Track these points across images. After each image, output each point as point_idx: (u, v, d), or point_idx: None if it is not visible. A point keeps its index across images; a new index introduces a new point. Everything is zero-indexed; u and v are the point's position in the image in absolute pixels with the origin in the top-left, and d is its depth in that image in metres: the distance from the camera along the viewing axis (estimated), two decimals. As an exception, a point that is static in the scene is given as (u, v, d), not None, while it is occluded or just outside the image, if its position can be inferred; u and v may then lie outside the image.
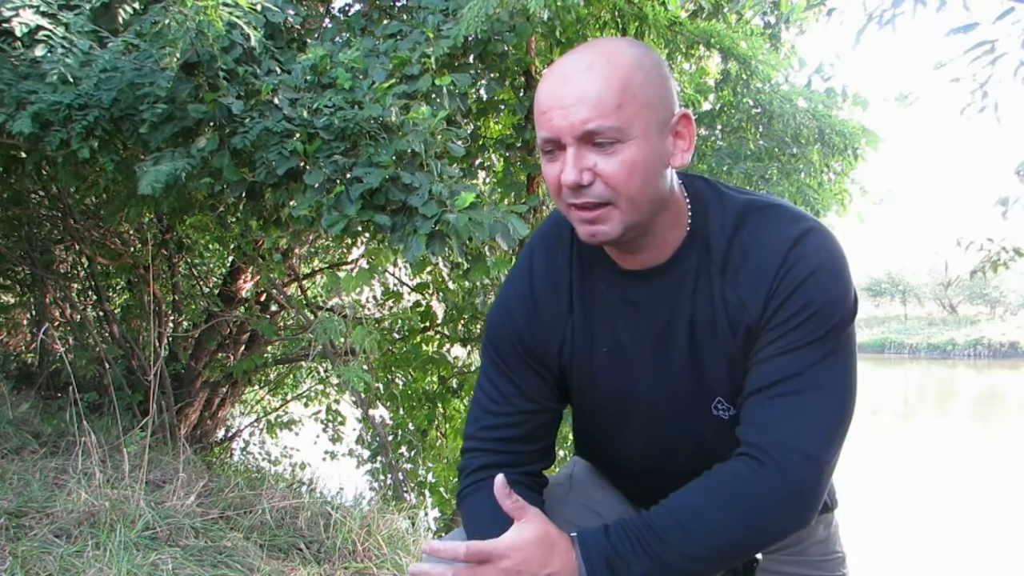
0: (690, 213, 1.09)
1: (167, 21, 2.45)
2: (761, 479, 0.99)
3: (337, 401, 6.54)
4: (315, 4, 3.96)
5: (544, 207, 3.93)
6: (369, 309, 5.76)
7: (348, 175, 2.62)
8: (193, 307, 5.99)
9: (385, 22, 3.28)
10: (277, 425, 6.75)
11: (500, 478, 1.03)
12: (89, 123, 2.49)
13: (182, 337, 5.52)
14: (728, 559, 1.03)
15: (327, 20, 3.79)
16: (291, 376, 6.94)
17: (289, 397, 7.07)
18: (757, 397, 1.02)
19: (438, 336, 4.98)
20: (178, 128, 2.62)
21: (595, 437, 1.25)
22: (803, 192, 4.11)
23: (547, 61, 3.90)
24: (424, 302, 4.86)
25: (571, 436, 1.37)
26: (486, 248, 2.95)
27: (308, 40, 3.18)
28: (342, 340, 3.87)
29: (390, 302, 5.51)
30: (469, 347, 4.90)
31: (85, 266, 5.49)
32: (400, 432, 4.94)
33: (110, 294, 5.96)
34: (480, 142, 4.00)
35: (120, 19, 2.61)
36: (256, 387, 6.93)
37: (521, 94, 3.85)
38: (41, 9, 2.40)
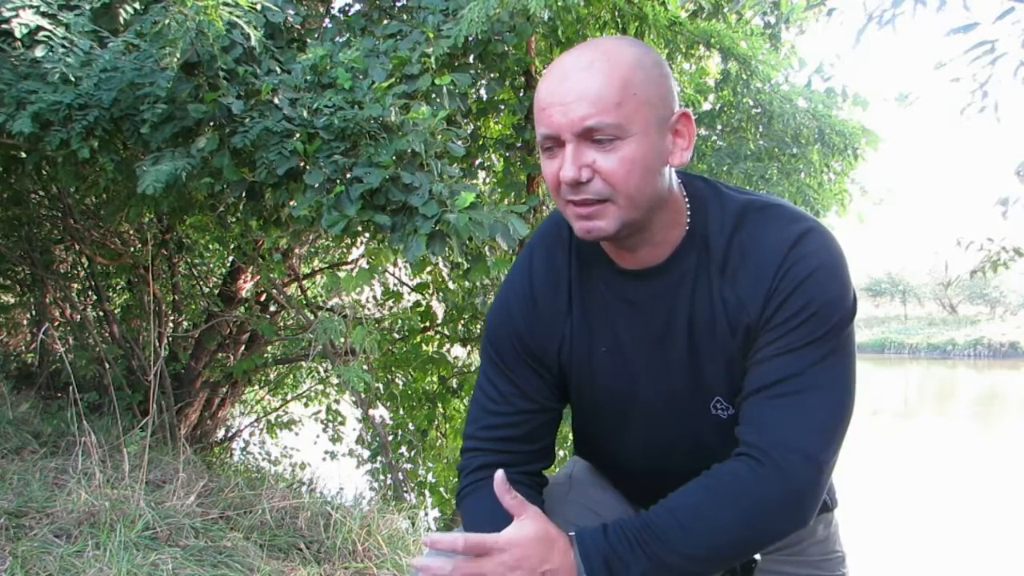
0: (689, 212, 1.09)
1: (167, 21, 2.45)
2: (760, 479, 0.99)
3: (337, 401, 6.53)
4: (315, 4, 3.96)
5: (544, 207, 3.93)
6: (369, 309, 5.75)
7: (348, 175, 2.62)
8: (193, 307, 5.99)
9: (385, 22, 3.28)
10: (277, 425, 6.75)
11: (500, 474, 1.03)
12: (89, 123, 2.49)
13: (182, 337, 5.52)
14: (727, 559, 1.03)
15: (327, 20, 3.79)
16: (291, 376, 6.94)
17: (289, 397, 7.07)
18: (756, 397, 1.02)
19: (438, 336, 4.98)
20: (178, 128, 2.62)
21: (594, 437, 1.25)
22: (803, 192, 4.11)
23: (547, 61, 3.90)
24: (424, 302, 4.86)
25: (571, 436, 1.37)
26: (486, 248, 2.95)
27: (308, 40, 3.18)
28: (342, 340, 3.87)
29: (390, 302, 5.51)
30: (469, 347, 4.90)
31: (85, 266, 5.49)
32: (400, 432, 4.94)
33: (110, 294, 5.96)
34: (480, 142, 4.00)
35: (120, 19, 2.61)
36: (256, 387, 6.93)
37: (521, 94, 3.85)
38: (41, 10, 2.40)
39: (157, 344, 4.24)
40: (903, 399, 19.08)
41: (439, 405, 4.88)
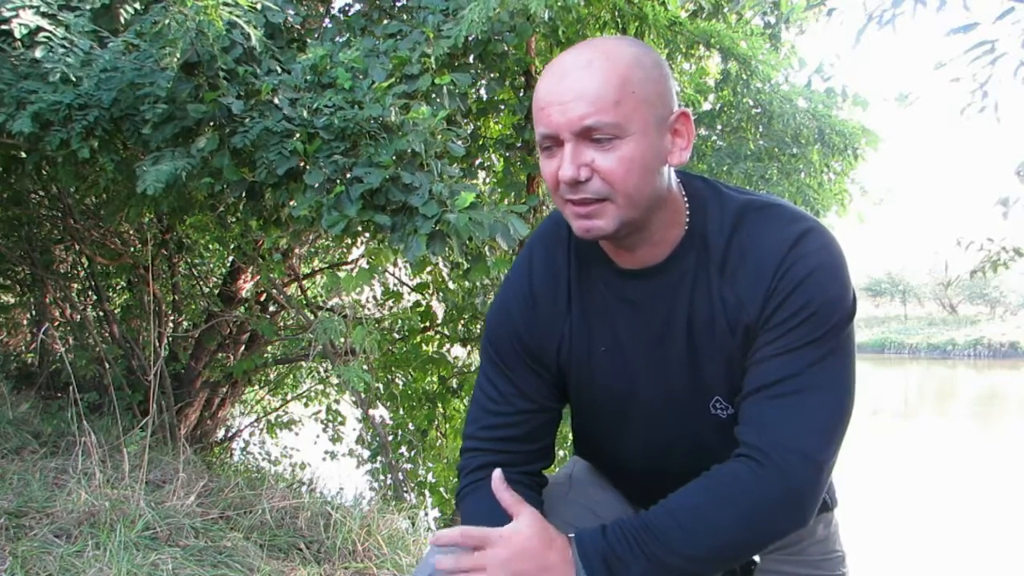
0: (688, 212, 1.09)
1: (167, 21, 2.45)
2: (759, 480, 0.99)
3: (337, 401, 6.53)
4: (315, 4, 3.96)
5: (544, 207, 3.93)
6: (369, 309, 5.76)
7: (348, 175, 2.62)
8: (193, 307, 5.99)
9: (385, 22, 3.28)
10: (277, 425, 6.75)
11: (498, 472, 1.03)
12: (89, 123, 2.49)
13: (182, 337, 5.52)
14: (728, 559, 1.03)
15: (327, 20, 3.79)
16: (291, 376, 6.94)
17: (289, 397, 7.07)
18: (755, 397, 1.02)
19: (438, 336, 4.98)
20: (178, 128, 2.62)
21: (594, 436, 1.25)
22: (803, 192, 4.12)
23: (547, 61, 3.89)
24: (424, 302, 4.86)
25: (571, 436, 1.37)
26: (486, 248, 2.95)
27: (308, 40, 3.18)
28: (342, 340, 3.87)
29: (390, 302, 5.51)
30: (469, 347, 4.90)
31: (85, 266, 5.49)
32: (400, 432, 4.94)
33: (110, 294, 5.96)
34: (480, 142, 4.00)
35: (121, 19, 2.61)
36: (256, 387, 6.93)
37: (521, 94, 3.85)
38: (41, 10, 2.40)
39: (157, 344, 4.24)
40: (903, 399, 19.08)
41: (439, 405, 4.88)
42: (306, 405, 6.92)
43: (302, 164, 2.66)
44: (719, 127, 4.40)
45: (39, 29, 2.38)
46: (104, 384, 4.34)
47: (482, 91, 3.76)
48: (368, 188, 2.56)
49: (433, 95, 2.91)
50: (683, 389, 1.10)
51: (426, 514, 4.47)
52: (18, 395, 4.64)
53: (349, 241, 5.13)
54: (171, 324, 5.48)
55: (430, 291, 4.82)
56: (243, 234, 4.29)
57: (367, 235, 3.45)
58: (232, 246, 4.77)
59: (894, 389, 20.68)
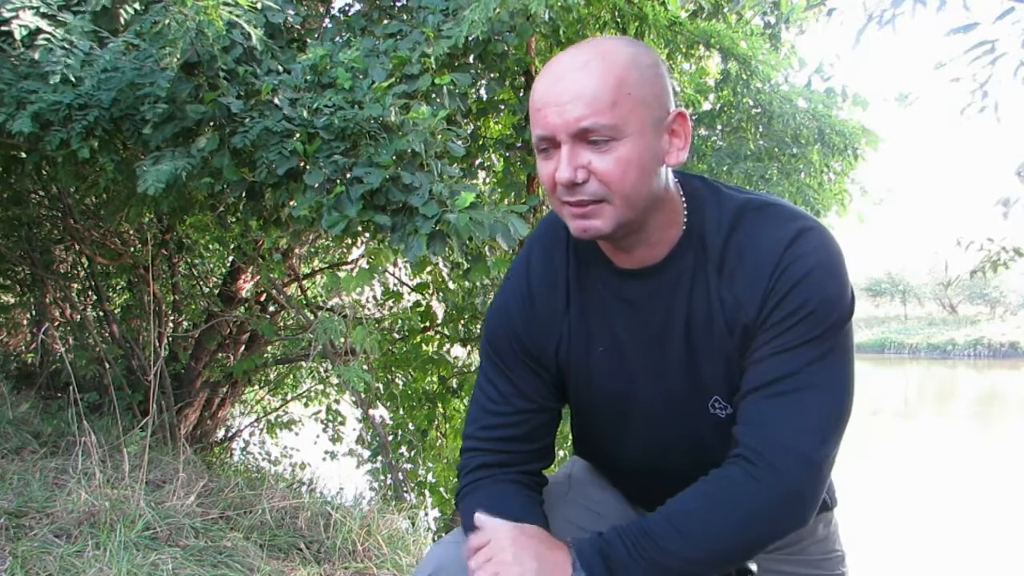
0: (686, 212, 1.09)
1: (167, 21, 2.45)
2: (756, 482, 0.99)
3: (337, 401, 6.53)
4: (315, 4, 3.96)
5: (544, 207, 3.93)
6: (369, 309, 5.76)
7: (348, 175, 2.62)
8: (193, 307, 5.99)
9: (385, 22, 3.28)
10: (277, 425, 6.75)
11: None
12: (89, 123, 2.49)
13: (182, 337, 5.52)
14: (728, 562, 1.03)
15: (327, 20, 3.79)
16: (291, 376, 6.94)
17: (289, 397, 7.07)
18: (753, 396, 1.02)
19: (438, 336, 4.98)
20: (178, 128, 2.62)
21: (593, 436, 1.25)
22: (803, 192, 4.11)
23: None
24: (424, 302, 4.86)
25: (571, 436, 1.38)
26: (486, 248, 2.95)
27: (308, 40, 3.18)
28: (342, 340, 3.87)
29: (390, 302, 5.51)
30: (469, 347, 4.90)
31: (85, 266, 5.49)
32: (400, 432, 4.94)
33: (110, 294, 5.96)
34: (480, 142, 4.00)
35: (121, 20, 2.61)
36: (256, 387, 6.93)
37: (521, 94, 3.85)
38: (41, 11, 2.40)
39: (157, 344, 4.24)
40: (903, 399, 19.08)
41: (439, 405, 4.88)
42: (306, 405, 6.92)
43: (302, 164, 2.66)
44: (719, 127, 4.40)
45: (39, 30, 2.38)
46: (104, 384, 4.35)
47: (482, 91, 3.76)
48: (368, 188, 2.56)
49: (433, 95, 2.91)
50: (682, 389, 1.10)
51: (426, 514, 4.48)
52: (18, 395, 4.64)
53: (349, 241, 5.14)
54: (171, 324, 5.48)
55: (430, 291, 4.82)
56: (243, 234, 4.29)
57: (367, 235, 3.45)
58: (232, 246, 4.77)
59: (894, 389, 20.68)
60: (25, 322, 6.24)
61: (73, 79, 2.41)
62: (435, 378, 4.98)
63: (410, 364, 4.91)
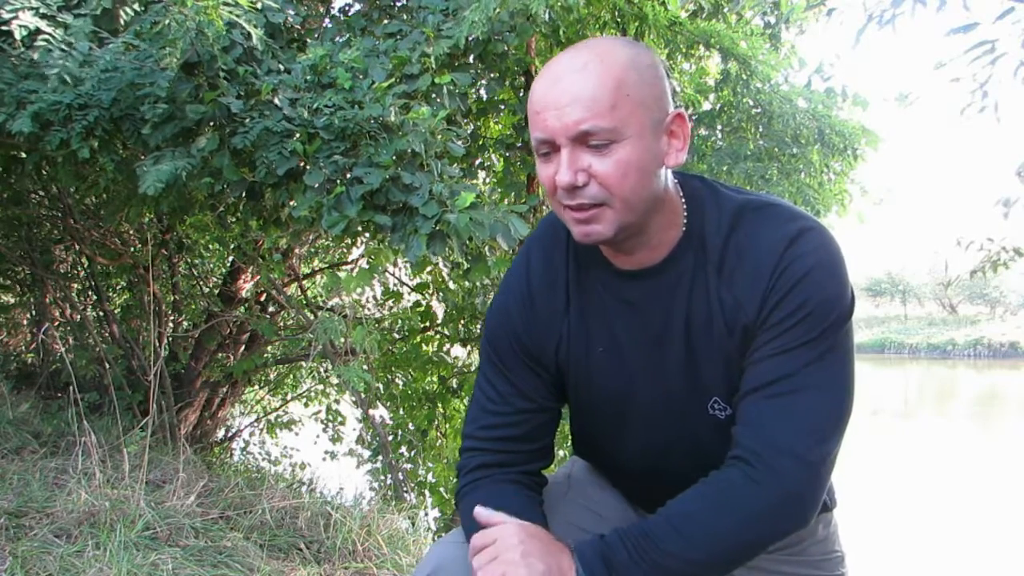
0: (686, 213, 1.09)
1: (167, 21, 2.45)
2: (755, 484, 0.99)
3: (337, 401, 6.53)
4: (315, 4, 3.96)
5: (544, 207, 3.93)
6: (369, 309, 5.76)
7: (348, 175, 2.62)
8: (193, 307, 5.99)
9: (385, 22, 3.28)
10: (277, 425, 6.75)
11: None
12: (89, 123, 2.49)
13: (182, 337, 5.52)
14: (729, 563, 1.03)
15: (327, 20, 3.79)
16: (291, 376, 6.94)
17: (289, 397, 7.07)
18: (752, 397, 1.02)
19: (438, 336, 4.98)
20: (178, 128, 2.62)
21: (593, 437, 1.25)
22: (803, 192, 4.11)
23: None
24: (424, 302, 4.86)
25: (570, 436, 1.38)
26: (486, 248, 2.95)
27: (308, 40, 3.18)
28: (342, 340, 3.87)
29: (390, 302, 5.51)
30: (469, 347, 4.90)
31: (85, 266, 5.49)
32: (400, 432, 4.94)
33: (110, 294, 5.96)
34: (480, 142, 4.00)
35: (121, 20, 2.61)
36: (256, 387, 6.93)
37: (521, 94, 3.85)
38: (41, 11, 2.40)
39: (157, 344, 4.24)
40: (903, 399, 19.08)
41: (439, 405, 4.88)
42: (306, 405, 6.92)
43: (302, 164, 2.66)
44: (719, 127, 4.40)
45: (39, 30, 2.38)
46: (104, 384, 4.35)
47: (482, 91, 3.76)
48: (368, 188, 2.56)
49: (433, 95, 2.91)
50: (681, 390, 1.10)
51: (426, 514, 4.48)
52: (18, 395, 4.64)
53: (349, 241, 5.14)
54: (171, 324, 5.48)
55: (430, 291, 4.82)
56: (243, 234, 4.28)
57: (367, 235, 3.45)
58: (232, 246, 4.77)
59: (894, 389, 20.68)
60: (25, 322, 6.23)
61: (69, 80, 2.40)
62: (435, 378, 4.98)
63: (410, 364, 4.91)
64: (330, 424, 6.35)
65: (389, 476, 4.76)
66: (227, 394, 5.95)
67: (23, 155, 3.39)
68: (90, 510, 2.57)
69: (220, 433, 6.47)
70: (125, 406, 4.53)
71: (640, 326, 1.10)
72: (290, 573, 2.56)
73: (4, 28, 2.38)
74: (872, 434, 12.23)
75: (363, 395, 4.37)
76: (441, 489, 4.64)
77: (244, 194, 2.80)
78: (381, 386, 4.94)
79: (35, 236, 5.14)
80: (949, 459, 10.92)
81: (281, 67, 2.80)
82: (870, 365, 25.78)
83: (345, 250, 5.81)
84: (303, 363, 6.10)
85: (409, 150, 2.64)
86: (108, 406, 4.16)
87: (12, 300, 6.09)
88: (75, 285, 5.71)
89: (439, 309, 4.90)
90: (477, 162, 4.21)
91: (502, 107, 4.02)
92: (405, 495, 4.42)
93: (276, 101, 2.65)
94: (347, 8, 3.84)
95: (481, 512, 1.07)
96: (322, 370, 6.45)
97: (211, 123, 2.66)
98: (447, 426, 4.95)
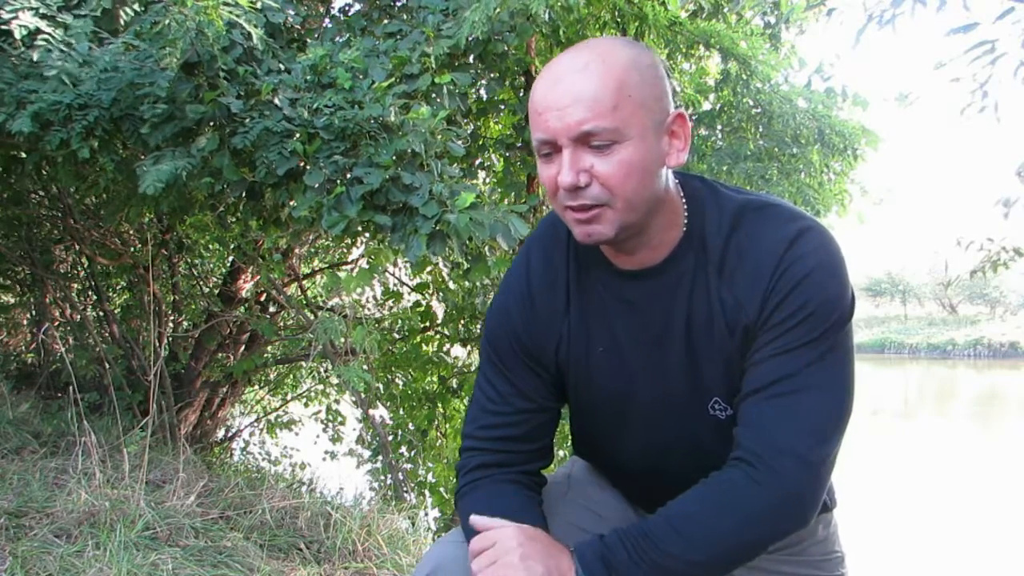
0: (686, 213, 1.09)
1: (167, 21, 2.45)
2: (756, 485, 0.99)
3: (337, 401, 6.54)
4: (315, 4, 3.96)
5: (544, 207, 3.93)
6: (369, 309, 5.76)
7: (348, 175, 2.62)
8: (193, 307, 5.99)
9: (385, 22, 3.28)
10: (277, 425, 6.75)
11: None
12: (89, 123, 2.49)
13: (182, 337, 5.52)
14: (730, 563, 1.03)
15: (327, 20, 3.79)
16: (291, 376, 6.94)
17: (289, 397, 7.07)
18: (753, 398, 1.02)
19: (438, 336, 4.98)
20: (178, 128, 2.62)
21: (593, 437, 1.25)
22: (803, 192, 4.11)
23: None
24: (424, 302, 4.86)
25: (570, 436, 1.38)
26: (486, 248, 2.95)
27: (308, 40, 3.18)
28: (342, 340, 3.87)
29: (390, 302, 5.51)
30: (469, 347, 4.90)
31: (85, 266, 5.49)
32: (400, 432, 4.94)
33: (110, 294, 5.96)
34: (480, 142, 3.99)
35: (121, 21, 2.61)
36: (256, 387, 6.93)
37: (521, 94, 3.85)
38: (40, 11, 2.40)
39: (157, 344, 4.24)
40: (903, 399, 19.08)
41: (439, 405, 4.88)
42: (306, 405, 6.92)
43: (302, 164, 2.66)
44: (719, 127, 4.40)
45: (39, 30, 2.38)
46: (104, 384, 4.35)
47: (482, 91, 3.76)
48: (368, 188, 2.55)
49: (433, 95, 2.91)
50: (681, 390, 1.10)
51: (426, 514, 4.48)
52: (18, 395, 4.64)
53: (349, 241, 5.14)
54: (171, 324, 5.48)
55: (430, 291, 4.82)
56: (243, 234, 4.28)
57: (367, 235, 3.45)
58: (232, 246, 4.77)
59: (894, 389, 20.68)
60: (25, 322, 6.24)
61: (67, 81, 2.40)
62: (435, 378, 4.98)
63: (410, 364, 4.91)
64: (330, 424, 6.35)
65: (389, 476, 4.76)
66: (227, 394, 5.95)
67: (23, 155, 3.39)
68: (90, 510, 2.57)
69: (220, 433, 6.47)
70: (125, 406, 4.53)
71: (640, 326, 1.10)
72: (290, 573, 2.56)
73: (4, 28, 2.38)
74: (872, 434, 12.23)
75: (363, 395, 4.37)
76: (441, 489, 4.64)
77: (244, 194, 2.80)
78: (381, 386, 4.94)
79: (35, 236, 5.14)
80: (949, 459, 10.92)
81: (281, 67, 2.80)
82: (870, 365, 25.78)
83: (345, 250, 5.81)
84: (303, 363, 6.10)
85: (409, 150, 2.64)
86: (108, 406, 4.16)
87: (12, 300, 6.09)
88: (75, 285, 5.71)
89: (439, 309, 4.90)
90: (477, 162, 4.21)
91: (502, 107, 4.02)
92: (405, 495, 4.42)
93: (276, 101, 2.65)
94: (347, 8, 3.84)
95: (478, 521, 1.06)
96: (322, 370, 6.45)
97: (211, 123, 2.66)
98: (447, 426, 4.95)
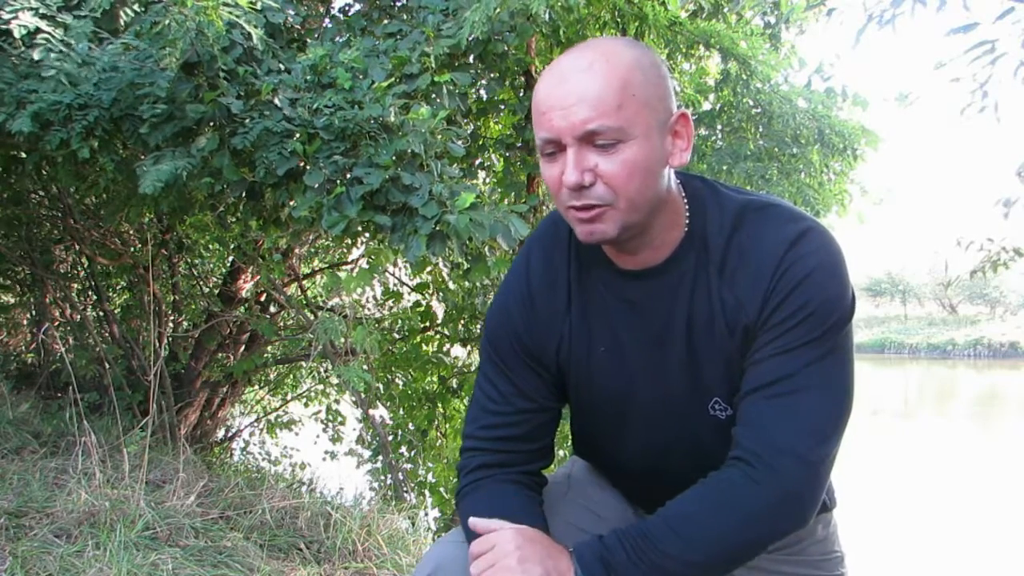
0: (688, 213, 1.09)
1: (167, 21, 2.45)
2: (754, 485, 0.99)
3: (337, 401, 6.53)
4: (315, 4, 3.96)
5: (544, 207, 3.93)
6: (369, 309, 5.76)
7: (348, 175, 2.62)
8: (193, 307, 5.99)
9: (385, 22, 3.28)
10: (277, 425, 6.75)
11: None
12: (89, 123, 2.49)
13: (182, 337, 5.52)
14: (729, 563, 1.03)
15: (327, 20, 3.79)
16: (291, 376, 6.94)
17: (289, 397, 7.07)
18: (753, 398, 1.03)
19: (438, 336, 4.98)
20: (178, 128, 2.62)
21: (593, 437, 1.25)
22: (803, 192, 4.12)
23: (547, 61, 3.89)
24: (424, 302, 4.87)
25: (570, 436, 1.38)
26: (486, 248, 2.95)
27: (308, 40, 3.18)
28: (342, 340, 3.87)
29: (390, 302, 5.51)
30: (469, 347, 4.90)
31: (85, 266, 5.49)
32: (400, 432, 4.94)
33: (110, 294, 5.96)
34: (480, 142, 4.00)
35: (121, 21, 2.61)
36: (256, 387, 6.93)
37: (521, 94, 3.85)
38: (40, 11, 2.40)
39: (157, 344, 4.24)
40: (903, 399, 19.08)
41: (439, 405, 4.88)
42: (306, 405, 6.92)
43: (302, 164, 2.66)
44: (719, 127, 4.40)
45: (39, 30, 2.38)
46: (104, 384, 4.35)
47: (482, 91, 3.76)
48: (368, 189, 2.55)
49: (433, 95, 2.91)
50: (682, 390, 1.10)
51: (426, 514, 4.48)
52: (18, 395, 4.64)
53: (349, 241, 5.13)
54: (171, 324, 5.48)
55: (430, 291, 4.82)
56: (243, 234, 4.28)
57: (367, 235, 3.45)
58: (232, 246, 4.77)
59: (894, 389, 20.69)
60: (25, 322, 6.24)
61: (67, 81, 2.40)
62: (435, 378, 4.98)
63: (410, 364, 4.91)
64: (330, 424, 6.35)
65: (389, 476, 4.76)
66: (227, 394, 5.95)
67: (23, 155, 3.39)
68: (90, 510, 2.57)
69: (220, 433, 6.47)
70: (125, 406, 4.53)
71: (641, 326, 1.10)
72: (290, 573, 2.56)
73: (4, 28, 2.38)
74: (872, 434, 12.24)
75: (363, 395, 4.37)
76: (441, 489, 4.64)
77: (244, 194, 2.80)
78: (381, 386, 4.95)
79: (35, 236, 5.15)
80: (949, 459, 10.92)
81: (281, 67, 2.80)
82: (870, 365, 25.78)
83: (345, 250, 5.81)
84: (303, 363, 6.10)
85: (409, 150, 2.64)
86: (108, 406, 4.16)
87: (12, 300, 6.09)
88: (75, 285, 5.71)
89: (439, 309, 4.91)
90: (477, 162, 4.21)
91: (502, 107, 4.02)
92: (405, 495, 4.42)
93: (276, 101, 2.65)
94: (347, 8, 3.84)
95: (476, 523, 1.07)
96: (322, 370, 6.45)
97: (211, 123, 2.66)
98: (447, 426, 4.95)
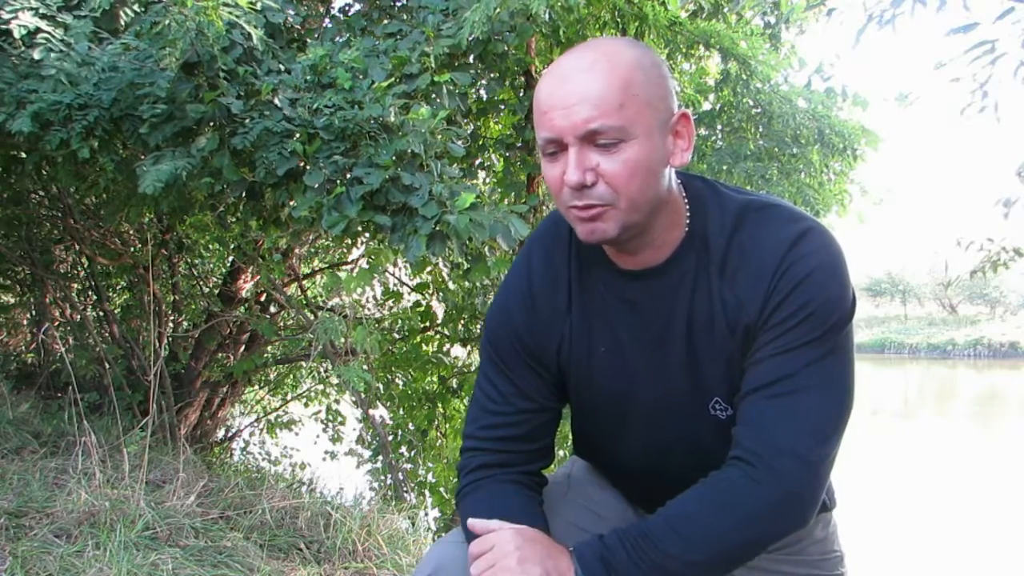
0: (688, 213, 1.09)
1: (167, 21, 2.45)
2: (755, 484, 0.99)
3: (337, 401, 6.54)
4: (315, 4, 3.96)
5: (544, 207, 3.93)
6: (369, 309, 5.76)
7: (348, 175, 2.62)
8: (193, 307, 5.99)
9: (385, 22, 3.28)
10: (277, 425, 6.75)
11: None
12: (89, 123, 2.49)
13: (182, 337, 5.52)
14: (729, 563, 1.03)
15: (327, 20, 3.79)
16: (291, 376, 6.94)
17: (289, 397, 7.07)
18: (753, 397, 1.03)
19: (438, 336, 4.98)
20: (178, 128, 2.62)
21: (593, 437, 1.25)
22: (803, 192, 4.12)
23: (547, 61, 3.90)
24: (424, 302, 4.87)
25: (571, 436, 1.38)
26: (486, 248, 2.95)
27: (308, 40, 3.18)
28: (342, 340, 3.87)
29: (390, 302, 5.51)
30: (469, 347, 4.90)
31: (85, 266, 5.50)
32: (400, 432, 4.94)
33: (110, 294, 5.96)
34: (480, 142, 4.00)
35: (121, 21, 2.61)
36: (256, 387, 6.93)
37: (521, 94, 3.85)
38: (40, 11, 2.40)
39: (157, 344, 4.24)
40: (903, 399, 19.08)
41: (439, 405, 4.88)
42: (306, 405, 6.92)
43: (302, 164, 2.66)
44: (719, 127, 4.40)
45: (39, 30, 2.38)
46: (104, 384, 4.35)
47: (482, 91, 3.76)
48: (368, 189, 2.55)
49: (433, 95, 2.91)
50: (682, 390, 1.10)
51: (426, 514, 4.48)
52: (18, 395, 4.64)
53: (349, 241, 5.13)
54: (171, 324, 5.48)
55: (430, 291, 4.82)
56: (243, 234, 4.29)
57: (367, 235, 3.45)
58: (232, 246, 4.77)
59: (894, 389, 20.69)
60: (25, 322, 6.24)
61: (66, 82, 2.40)
62: (435, 378, 4.98)
63: (410, 364, 4.91)
64: (330, 424, 6.35)
65: (389, 476, 4.76)
66: (227, 394, 5.95)
67: (23, 155, 3.39)
68: (90, 510, 2.57)
69: (220, 433, 6.47)
70: (125, 406, 4.53)
71: (642, 326, 1.10)
72: (290, 573, 2.56)
73: (4, 28, 2.38)
74: (872, 434, 12.24)
75: (363, 395, 4.37)
76: (441, 489, 4.64)
77: (244, 194, 2.80)
78: (381, 386, 4.95)
79: (35, 236, 5.15)
80: (949, 459, 10.92)
81: (281, 67, 2.80)
82: (870, 365, 25.78)
83: (345, 250, 5.81)
84: (303, 363, 6.10)
85: (409, 150, 2.64)
86: (108, 406, 4.16)
87: (12, 300, 6.09)
88: (75, 285, 5.71)
89: (439, 309, 4.91)
90: (477, 162, 4.21)
91: (502, 107, 4.02)
92: (405, 495, 4.42)
93: (276, 101, 2.65)
94: (347, 8, 3.84)
95: (476, 524, 1.07)
96: (322, 370, 6.45)
97: (211, 123, 2.66)
98: (447, 426, 4.95)
